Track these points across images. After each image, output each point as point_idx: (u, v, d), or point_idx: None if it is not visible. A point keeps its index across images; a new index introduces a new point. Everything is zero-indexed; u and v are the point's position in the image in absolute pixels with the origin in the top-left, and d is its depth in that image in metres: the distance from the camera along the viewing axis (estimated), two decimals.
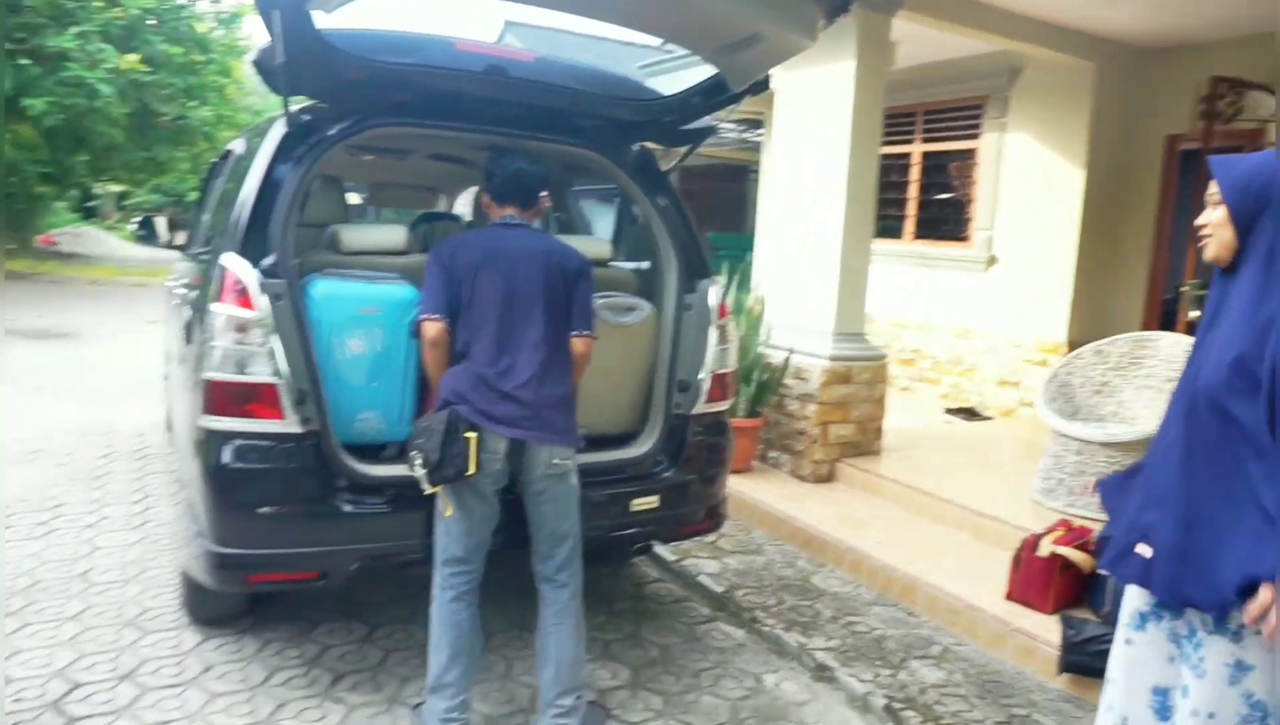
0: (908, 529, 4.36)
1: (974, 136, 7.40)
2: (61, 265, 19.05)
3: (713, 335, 3.23)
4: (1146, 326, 6.32)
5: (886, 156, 8.13)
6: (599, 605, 3.65)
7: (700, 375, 3.21)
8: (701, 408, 3.23)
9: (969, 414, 6.84)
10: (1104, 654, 2.74)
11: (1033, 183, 6.83)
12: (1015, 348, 6.87)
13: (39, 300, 12.62)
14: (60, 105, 10.54)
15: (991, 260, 7.14)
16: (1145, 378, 4.30)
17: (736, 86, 2.91)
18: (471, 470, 2.42)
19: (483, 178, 2.79)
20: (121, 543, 4.00)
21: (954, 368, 7.45)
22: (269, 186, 2.65)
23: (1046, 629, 3.20)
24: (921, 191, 7.95)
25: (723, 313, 3.28)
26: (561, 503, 2.63)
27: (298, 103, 2.81)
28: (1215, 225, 1.74)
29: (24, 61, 10.32)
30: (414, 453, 2.43)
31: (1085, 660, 2.88)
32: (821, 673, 3.15)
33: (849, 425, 5.11)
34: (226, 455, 2.54)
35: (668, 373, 3.25)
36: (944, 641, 3.42)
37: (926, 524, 4.44)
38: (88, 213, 30.65)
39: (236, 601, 3.21)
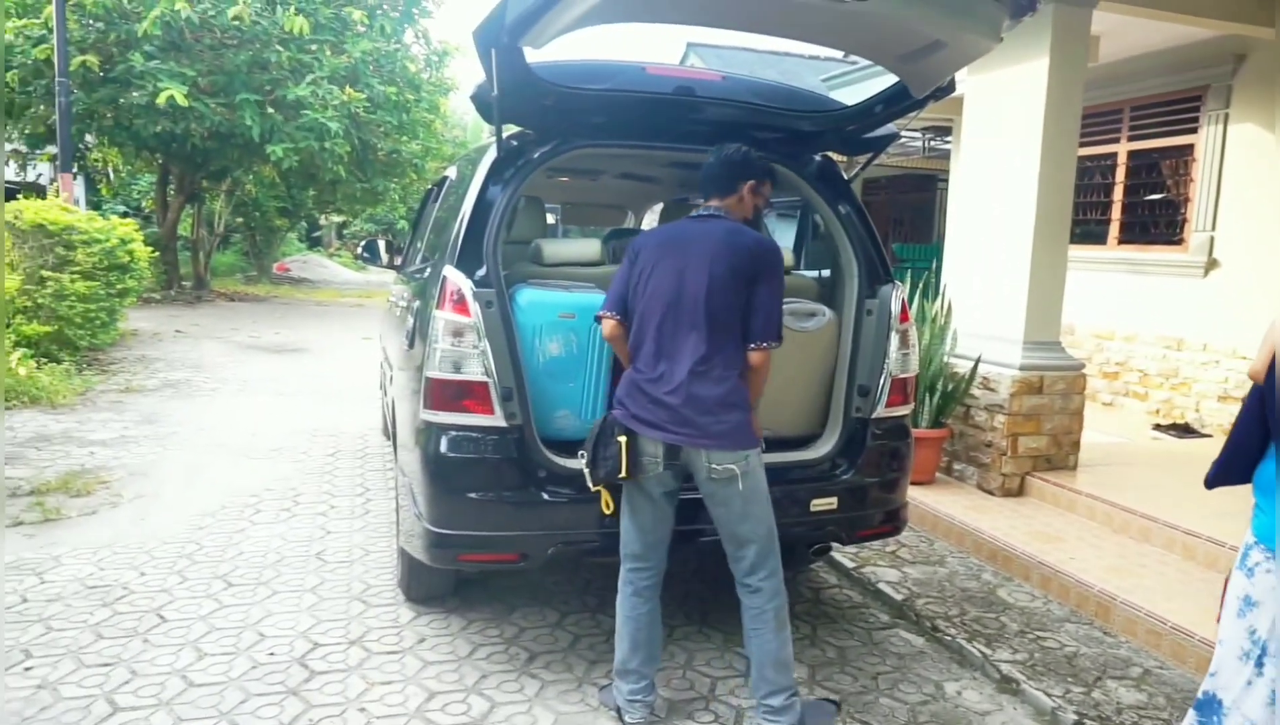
0: (1105, 546, 4.12)
1: (1190, 131, 6.84)
2: (293, 289, 21.39)
3: (894, 340, 3.24)
4: None
5: (1087, 158, 7.68)
6: None
7: (880, 379, 3.23)
8: (881, 412, 3.25)
9: (1183, 430, 6.30)
10: None
11: (1261, 178, 6.22)
12: (1239, 359, 6.26)
13: (277, 320, 14.26)
14: (296, 148, 11.93)
15: (1211, 264, 6.55)
16: None
17: (919, 93, 2.93)
18: (624, 473, 2.52)
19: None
20: (348, 528, 4.50)
21: (1165, 381, 6.88)
22: (481, 206, 2.96)
23: None
24: (1127, 193, 7.43)
25: (904, 317, 3.28)
26: (733, 506, 2.59)
27: (507, 130, 3.11)
28: None
29: (270, 111, 11.79)
30: (581, 452, 2.64)
31: None
32: (1006, 685, 3.06)
33: (1041, 438, 4.88)
34: (444, 445, 2.85)
35: (848, 377, 3.29)
36: (1145, 663, 3.22)
37: (1127, 542, 4.17)
38: (313, 242, 34.16)
39: (445, 582, 3.55)
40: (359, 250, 4.54)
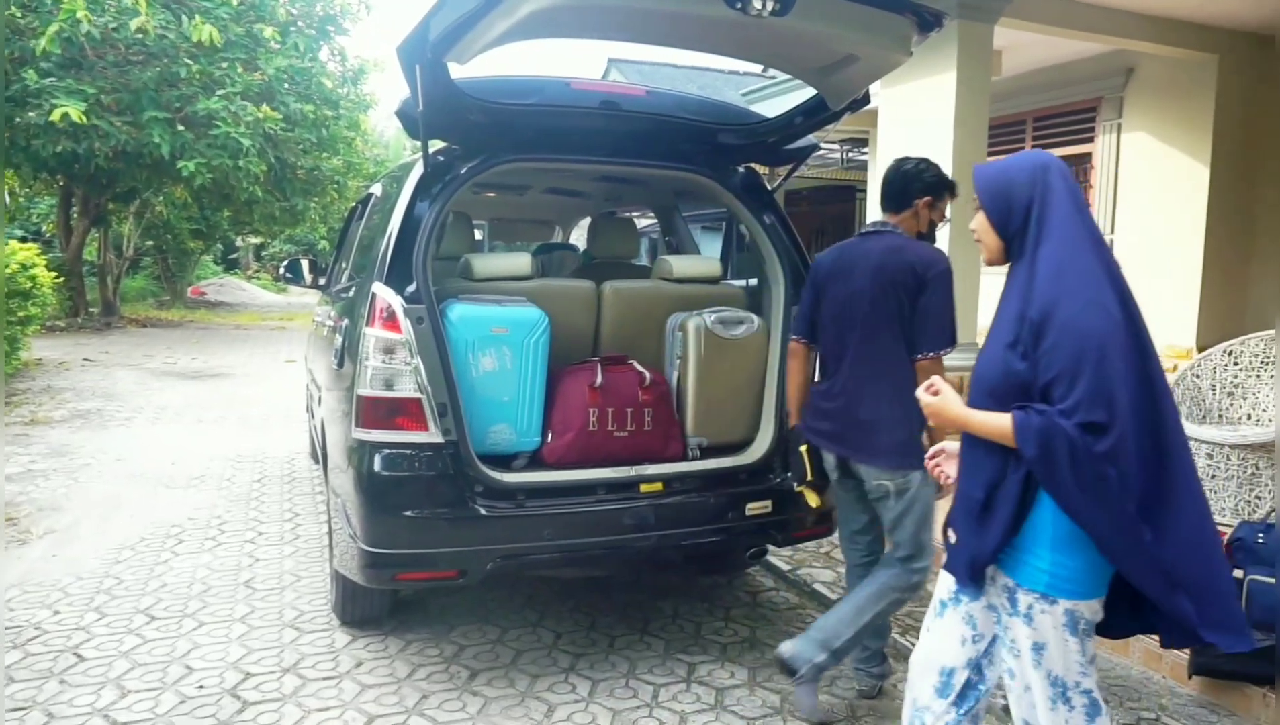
0: None
1: (1088, 140, 7.23)
2: (210, 313, 20.70)
3: None
4: None
5: None
6: (715, 611, 3.77)
7: None
8: None
9: None
10: (1237, 656, 2.68)
11: (1153, 183, 6.61)
12: None
13: (193, 345, 13.78)
14: (209, 165, 11.57)
15: None
16: None
17: (836, 105, 3.04)
18: (809, 477, 2.81)
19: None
20: (277, 554, 4.38)
21: None
22: (409, 223, 2.94)
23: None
24: None
25: None
26: (887, 515, 2.74)
27: (433, 146, 3.10)
28: None
29: (180, 129, 11.41)
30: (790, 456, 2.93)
31: (1217, 663, 2.80)
32: None
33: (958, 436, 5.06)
34: (377, 463, 2.81)
35: (778, 382, 3.36)
36: None
37: None
38: (230, 265, 33.14)
39: (382, 603, 3.49)
40: (282, 270, 4.44)
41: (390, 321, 2.79)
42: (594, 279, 3.52)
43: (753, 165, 3.54)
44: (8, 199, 17.13)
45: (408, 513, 2.81)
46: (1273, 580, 2.72)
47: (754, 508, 3.18)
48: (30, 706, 2.87)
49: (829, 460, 2.82)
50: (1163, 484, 1.67)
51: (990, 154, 8.03)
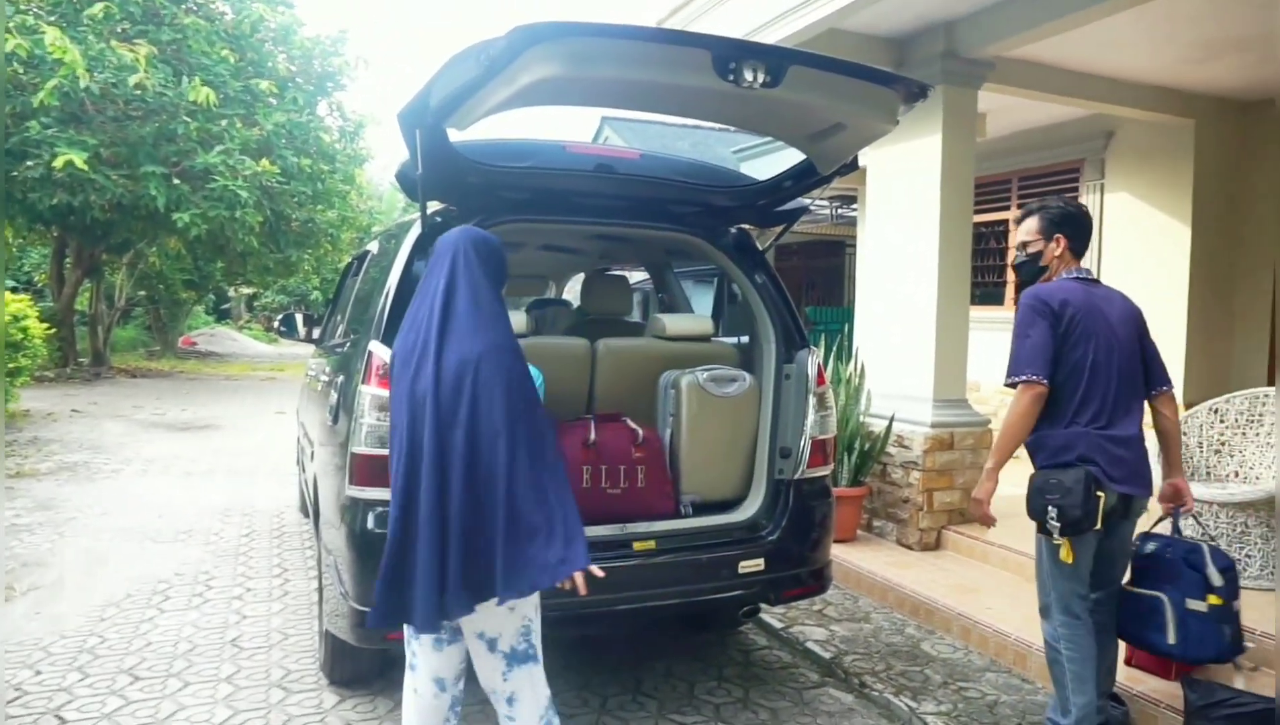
0: (1020, 596, 4.27)
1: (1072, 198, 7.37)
2: (200, 363, 20.66)
3: (811, 403, 3.36)
4: (1271, 383, 6.06)
5: (983, 224, 8.18)
6: (708, 670, 3.73)
7: (801, 441, 3.34)
8: (803, 473, 3.35)
9: None
10: (1234, 718, 2.67)
11: (1136, 243, 6.75)
12: None
13: (183, 396, 13.73)
14: (205, 217, 11.68)
15: None
16: (1267, 435, 4.16)
17: (825, 170, 3.12)
18: (1098, 526, 2.70)
19: (1048, 224, 2.92)
20: (265, 612, 4.33)
21: None
22: (406, 281, 2.98)
23: (1170, 694, 3.11)
24: None
25: (820, 381, 3.41)
26: (1124, 539, 2.89)
27: (432, 207, 3.16)
28: None
29: (176, 182, 11.53)
30: (1051, 507, 2.69)
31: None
32: None
33: (954, 492, 5.08)
34: (370, 521, 2.80)
35: (770, 439, 3.39)
36: None
37: None
38: (221, 315, 33.16)
39: (371, 663, 3.44)
40: (276, 324, 4.46)
41: (385, 379, 2.81)
42: (587, 335, 3.55)
43: (744, 226, 3.61)
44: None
45: None
46: (1204, 606, 2.78)
47: (746, 566, 3.18)
48: None
49: (1111, 502, 2.72)
50: None
51: (977, 212, 8.20)
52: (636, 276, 7.04)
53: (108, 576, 4.81)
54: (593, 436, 3.14)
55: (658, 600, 3.08)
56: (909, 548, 5.06)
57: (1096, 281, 2.92)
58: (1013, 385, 2.79)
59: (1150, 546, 2.96)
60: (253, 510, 6.44)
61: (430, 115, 2.52)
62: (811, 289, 14.49)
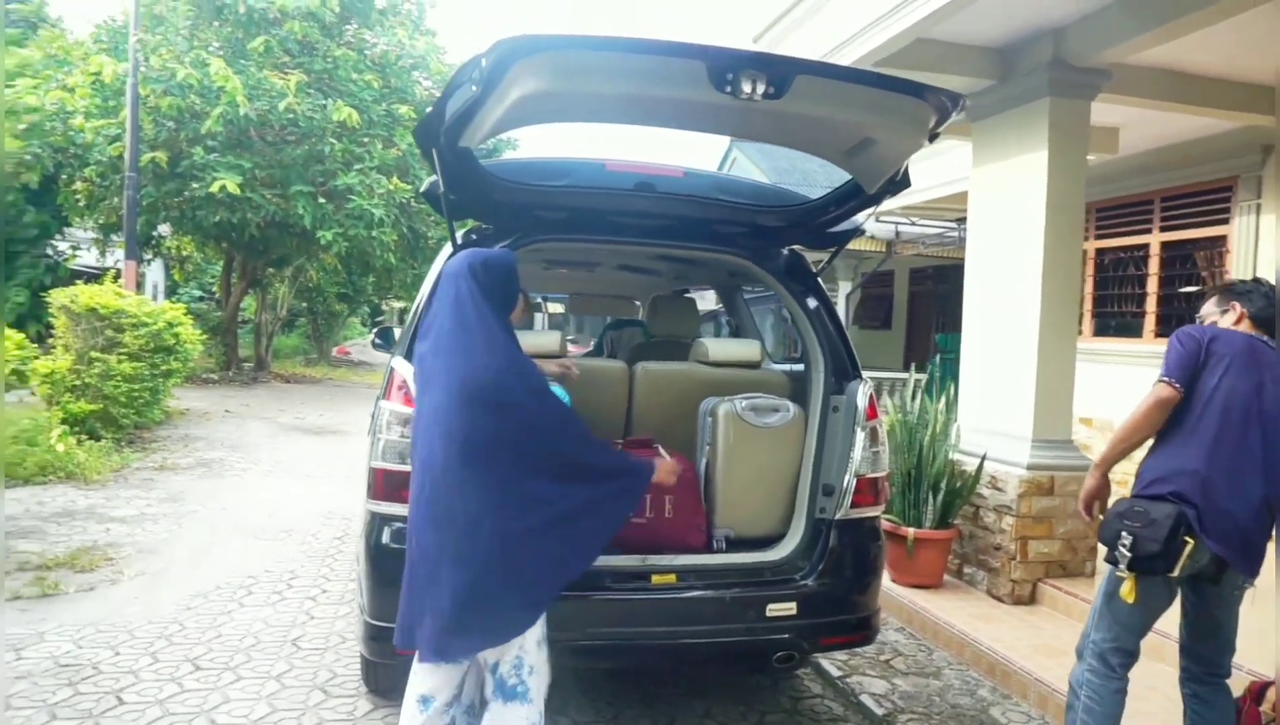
0: None
1: (1223, 221, 6.65)
2: (350, 372, 22.00)
3: (859, 437, 3.13)
4: None
5: (1120, 249, 7.52)
6: (749, 716, 3.54)
7: (845, 478, 3.12)
8: (847, 512, 3.12)
9: None
10: None
11: None
12: None
13: (325, 402, 14.63)
14: (345, 235, 12.44)
15: None
16: None
17: (870, 187, 2.91)
18: (1176, 573, 2.43)
19: (1234, 297, 2.74)
20: (332, 614, 4.48)
21: None
22: (432, 300, 3.00)
23: None
24: (1162, 285, 7.20)
25: (871, 414, 3.18)
26: (1234, 608, 2.62)
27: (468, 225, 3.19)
28: None
29: (321, 201, 12.37)
30: (1125, 533, 2.45)
31: None
32: None
33: (1053, 542, 4.63)
34: (385, 536, 2.83)
35: (812, 475, 3.19)
36: None
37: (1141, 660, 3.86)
38: (376, 326, 35.34)
39: (403, 674, 3.46)
40: (373, 336, 4.64)
41: (407, 396, 2.83)
42: (651, 357, 3.48)
43: (795, 247, 3.44)
44: (184, 262, 18.97)
45: None
46: None
47: (776, 609, 2.98)
48: None
49: (1200, 557, 2.46)
50: None
51: (1113, 236, 7.54)
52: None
53: (206, 568, 5.12)
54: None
55: (675, 639, 2.94)
56: (999, 599, 4.64)
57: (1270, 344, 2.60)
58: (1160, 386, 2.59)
59: None
60: (352, 515, 6.72)
61: (443, 134, 2.52)
62: (943, 315, 13.78)
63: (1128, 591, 2.44)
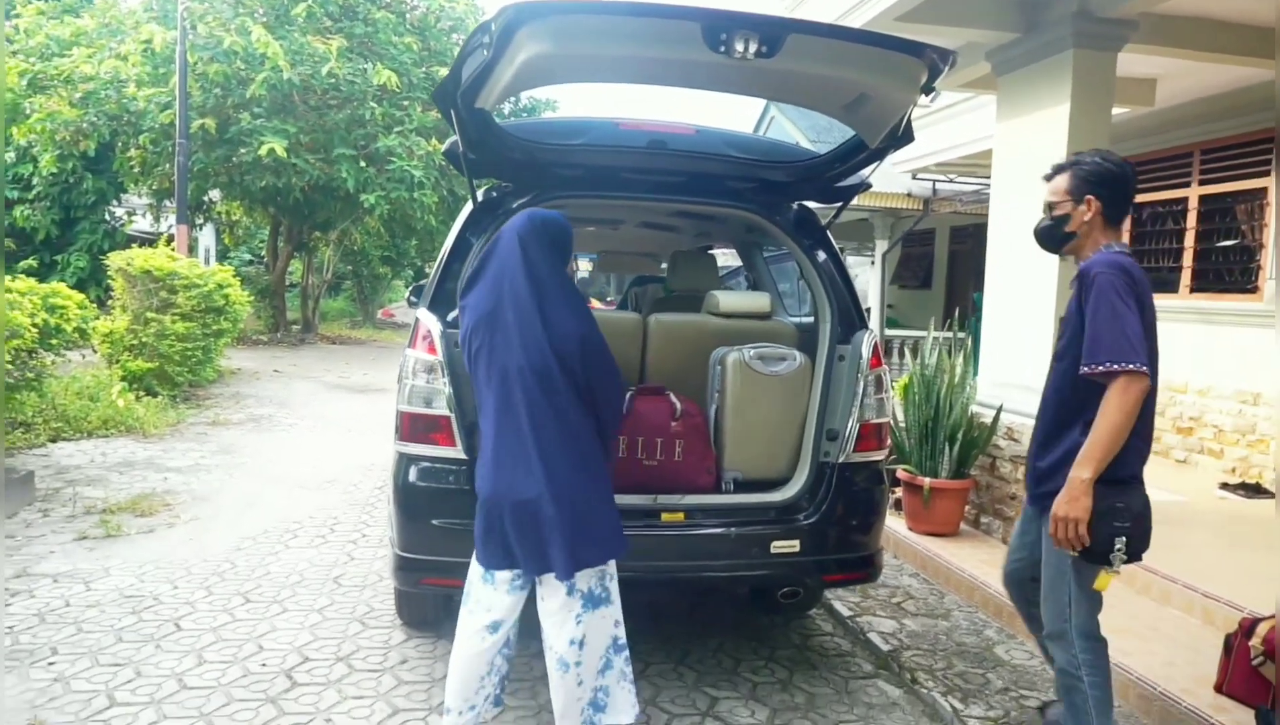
0: (1120, 608, 3.90)
1: (1264, 174, 6.52)
2: (394, 333, 22.45)
3: (863, 385, 3.26)
4: None
5: (1157, 203, 7.42)
6: (760, 651, 3.72)
7: (849, 424, 3.25)
8: (850, 456, 3.25)
9: (1253, 490, 5.91)
10: None
11: None
12: None
13: (369, 362, 15.04)
14: (387, 197, 12.70)
15: None
16: None
17: (872, 142, 3.00)
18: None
19: (1080, 183, 2.46)
20: (371, 556, 4.75)
21: (1242, 438, 6.47)
22: (457, 253, 3.18)
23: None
24: (1199, 240, 7.10)
25: (875, 362, 3.30)
26: None
27: (487, 184, 3.35)
28: None
29: (363, 165, 12.63)
30: (1120, 536, 2.32)
31: None
32: None
33: None
34: (412, 474, 3.05)
35: (818, 421, 3.32)
36: None
37: (1145, 604, 3.96)
38: (419, 289, 35.83)
39: (430, 607, 3.71)
40: (408, 294, 4.85)
41: (430, 345, 3.03)
42: (666, 311, 3.62)
43: (804, 202, 3.53)
44: (234, 226, 19.48)
45: (435, 522, 3.02)
46: None
47: (780, 546, 3.15)
48: (125, 664, 3.31)
49: None
50: None
51: (1149, 190, 7.42)
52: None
53: (255, 514, 5.44)
54: (629, 408, 3.21)
55: (683, 573, 3.12)
56: None
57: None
58: (1102, 373, 2.26)
59: None
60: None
61: (460, 95, 2.67)
62: (982, 274, 13.63)
63: (1104, 582, 2.39)
